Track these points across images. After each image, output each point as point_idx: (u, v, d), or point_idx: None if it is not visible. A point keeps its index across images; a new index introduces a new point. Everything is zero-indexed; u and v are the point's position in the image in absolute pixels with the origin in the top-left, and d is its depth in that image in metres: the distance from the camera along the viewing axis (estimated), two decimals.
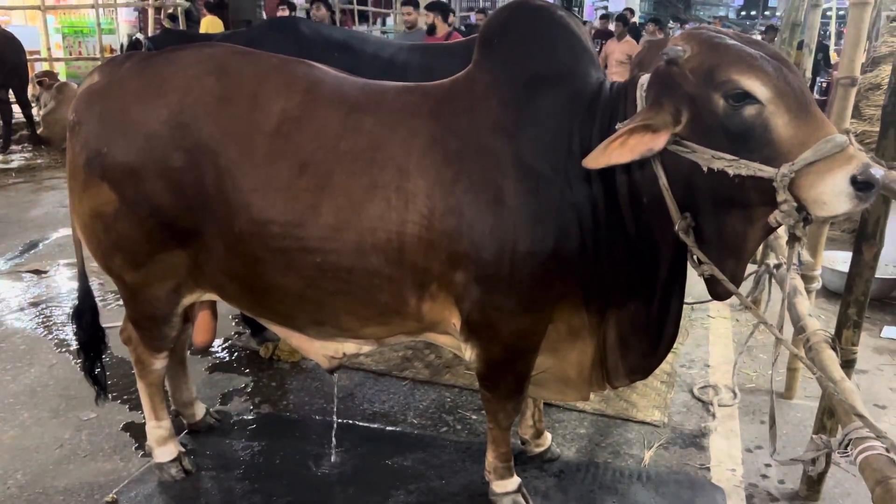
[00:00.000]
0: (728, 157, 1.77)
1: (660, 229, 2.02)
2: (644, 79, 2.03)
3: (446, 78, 2.31)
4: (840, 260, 4.69)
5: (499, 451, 2.51)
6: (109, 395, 3.07)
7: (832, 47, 14.03)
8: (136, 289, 2.45)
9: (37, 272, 5.07)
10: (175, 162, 2.20)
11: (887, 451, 1.70)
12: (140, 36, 4.13)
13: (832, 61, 12.67)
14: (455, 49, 3.74)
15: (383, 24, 18.27)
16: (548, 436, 2.87)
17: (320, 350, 2.55)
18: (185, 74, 2.26)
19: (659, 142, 1.84)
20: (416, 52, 3.58)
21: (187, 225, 2.27)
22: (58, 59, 12.54)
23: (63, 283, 4.89)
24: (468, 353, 2.31)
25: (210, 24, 9.41)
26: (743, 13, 42.50)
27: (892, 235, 4.81)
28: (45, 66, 11.64)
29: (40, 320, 4.21)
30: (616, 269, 2.14)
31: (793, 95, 1.74)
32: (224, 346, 3.88)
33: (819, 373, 1.78)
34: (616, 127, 1.94)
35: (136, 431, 3.01)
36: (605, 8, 24.82)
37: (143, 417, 3.04)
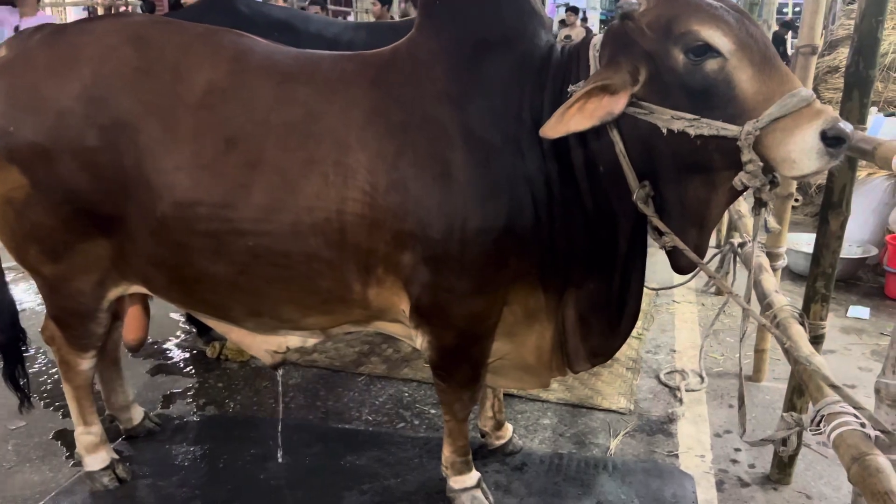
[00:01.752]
0: (689, 116, 1.64)
1: (618, 200, 1.90)
2: (597, 39, 1.89)
3: None
4: (804, 242, 4.64)
5: (456, 444, 2.35)
6: (38, 402, 2.85)
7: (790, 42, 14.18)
8: (55, 283, 2.24)
9: None
10: (90, 141, 2.00)
11: (863, 426, 1.59)
12: None
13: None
14: (402, 27, 3.57)
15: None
16: (509, 427, 2.72)
17: (262, 345, 2.37)
18: (99, 44, 2.06)
19: (619, 104, 1.71)
20: (362, 30, 3.42)
21: (107, 210, 2.07)
22: None
23: None
24: (419, 340, 2.15)
25: None
26: None
27: (858, 214, 4.83)
28: None
29: None
30: (573, 244, 2.01)
31: (756, 48, 1.62)
32: (168, 346, 3.66)
33: (788, 341, 1.66)
34: (570, 91, 1.81)
35: (69, 439, 2.78)
36: (567, 3, 24.87)
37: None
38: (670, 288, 2.01)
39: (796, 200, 5.87)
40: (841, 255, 4.70)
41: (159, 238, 2.06)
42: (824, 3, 2.75)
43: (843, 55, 6.55)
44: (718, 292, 4.40)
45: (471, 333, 2.12)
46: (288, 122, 1.98)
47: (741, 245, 2.92)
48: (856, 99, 2.11)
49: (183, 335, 3.79)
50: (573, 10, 8.60)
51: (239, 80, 2.03)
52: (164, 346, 3.66)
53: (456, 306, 2.04)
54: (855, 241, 4.78)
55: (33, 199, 2.08)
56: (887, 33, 6.06)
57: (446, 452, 2.37)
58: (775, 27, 4.76)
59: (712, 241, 4.96)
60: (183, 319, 3.89)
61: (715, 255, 2.69)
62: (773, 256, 2.98)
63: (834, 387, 1.46)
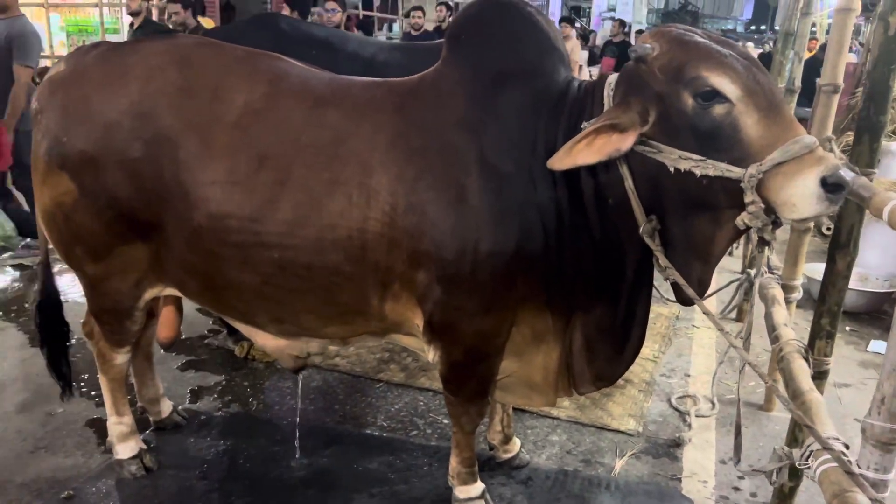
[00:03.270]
0: (695, 157, 1.72)
1: (625, 231, 1.98)
2: (613, 78, 1.98)
3: None
4: (820, 271, 4.61)
5: (462, 455, 2.45)
6: (76, 391, 3.03)
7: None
8: (96, 282, 2.41)
9: (21, 266, 5.03)
10: (134, 152, 2.16)
11: (849, 463, 1.65)
12: None
13: None
14: (436, 48, 3.69)
15: (390, 29, 18.26)
16: (517, 442, 2.81)
17: (285, 349, 2.51)
18: (147, 64, 2.22)
19: (626, 142, 1.79)
20: (397, 51, 3.55)
21: (147, 217, 2.22)
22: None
23: None
24: (431, 354, 2.26)
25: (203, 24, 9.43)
26: (752, 27, 42.42)
27: (884, 247, 4.79)
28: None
29: (12, 315, 4.18)
30: (581, 271, 2.09)
31: (762, 94, 1.70)
32: (199, 344, 3.83)
33: (770, 381, 1.73)
34: (582, 126, 1.90)
35: (102, 428, 2.96)
36: (612, 18, 24.78)
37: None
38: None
39: (828, 229, 5.83)
40: (867, 289, 4.70)
41: (193, 246, 2.20)
42: (847, 44, 2.79)
43: None
44: (738, 318, 4.42)
45: (479, 350, 2.22)
46: (317, 143, 2.11)
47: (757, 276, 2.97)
48: (866, 143, 2.16)
49: (212, 334, 3.95)
50: (568, 20, 8.31)
51: (273, 103, 2.17)
52: (195, 344, 3.82)
53: (466, 324, 2.15)
54: (882, 274, 4.76)
55: (80, 204, 2.24)
56: None
57: (453, 463, 2.48)
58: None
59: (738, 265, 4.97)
60: (213, 318, 4.06)
61: (730, 282, 2.74)
62: (787, 289, 3.01)
63: (808, 427, 1.52)
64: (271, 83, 2.21)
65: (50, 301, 2.68)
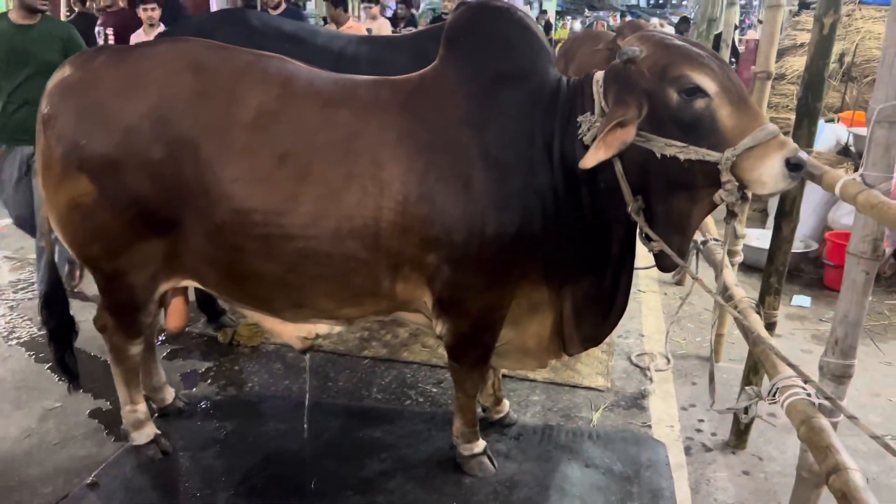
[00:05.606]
0: (679, 144, 2.01)
1: (613, 211, 2.26)
2: (599, 75, 2.25)
3: (394, 69, 2.53)
4: (754, 237, 5.13)
5: (466, 417, 2.72)
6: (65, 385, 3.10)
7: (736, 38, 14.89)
8: (113, 277, 2.51)
9: None
10: (155, 154, 2.28)
11: (808, 395, 2.01)
12: None
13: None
14: (401, 42, 3.89)
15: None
16: (506, 403, 3.10)
17: (294, 332, 2.68)
18: (162, 70, 2.33)
19: (630, 135, 2.03)
20: (364, 44, 3.70)
21: (166, 215, 2.35)
22: None
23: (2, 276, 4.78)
24: (439, 327, 2.50)
25: None
26: (652, 2, 43.91)
27: (800, 213, 5.33)
28: None
29: None
30: (573, 247, 2.37)
31: (734, 90, 2.01)
32: (181, 333, 3.91)
33: (755, 331, 2.06)
34: (579, 120, 2.17)
35: (105, 418, 3.06)
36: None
37: (110, 405, 3.13)
38: (650, 268, 2.38)
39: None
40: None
41: (216, 240, 2.35)
42: (777, 35, 3.17)
43: (789, 63, 7.11)
44: (679, 283, 4.86)
45: (484, 322, 2.48)
46: (331, 141, 2.29)
47: (703, 243, 3.36)
48: (805, 127, 2.53)
49: (192, 323, 4.04)
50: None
51: (287, 104, 2.33)
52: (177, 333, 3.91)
53: (472, 299, 2.40)
54: (798, 236, 5.29)
55: (100, 204, 2.35)
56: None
57: (457, 424, 2.74)
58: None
59: None
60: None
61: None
62: (731, 253, 3.41)
63: (791, 365, 1.86)
64: (283, 85, 2.36)
65: (56, 296, 2.76)
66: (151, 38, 4.61)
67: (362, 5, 7.93)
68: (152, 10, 4.99)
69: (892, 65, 1.71)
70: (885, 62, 1.72)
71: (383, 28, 8.14)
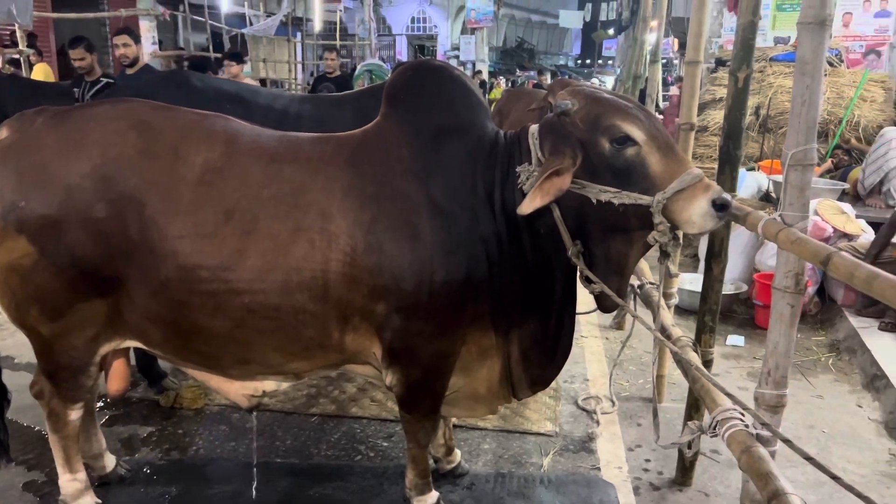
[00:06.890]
0: (613, 189, 2.13)
1: (554, 255, 2.36)
2: (534, 128, 2.37)
3: (337, 126, 2.61)
4: (687, 280, 5.34)
5: (418, 468, 2.71)
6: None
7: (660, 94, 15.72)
8: (52, 340, 2.44)
9: None
10: (98, 213, 2.27)
11: (747, 426, 2.10)
12: None
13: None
14: (344, 101, 3.98)
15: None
16: (458, 452, 3.10)
17: (240, 390, 2.65)
18: (105, 129, 2.34)
19: (566, 182, 2.15)
20: (307, 103, 3.78)
21: (109, 273, 2.32)
22: None
23: None
24: (389, 377, 2.51)
25: (41, 70, 9.14)
26: (579, 62, 45.93)
27: (729, 256, 5.58)
28: None
29: None
30: (518, 291, 2.45)
31: (661, 137, 2.15)
32: (120, 398, 3.79)
33: (695, 367, 2.16)
34: (518, 171, 2.28)
35: (41, 490, 2.93)
36: (457, 57, 26.04)
37: (45, 476, 2.99)
38: (592, 312, 2.49)
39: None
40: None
41: (161, 297, 2.33)
42: (697, 89, 3.40)
43: (710, 116, 7.55)
44: (619, 327, 4.99)
45: (435, 370, 2.51)
46: (277, 195, 2.33)
47: (640, 286, 3.49)
48: (727, 173, 2.70)
49: (132, 388, 3.92)
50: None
51: (232, 161, 2.36)
52: (115, 398, 3.78)
53: (423, 347, 2.43)
54: (728, 279, 5.54)
55: (40, 266, 2.30)
56: None
57: (410, 476, 2.73)
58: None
59: None
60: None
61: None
62: (666, 296, 3.55)
63: (729, 395, 1.95)
64: (228, 143, 2.40)
65: None
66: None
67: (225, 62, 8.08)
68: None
69: (800, 114, 1.87)
70: (794, 111, 1.88)
71: (238, 75, 8.06)
